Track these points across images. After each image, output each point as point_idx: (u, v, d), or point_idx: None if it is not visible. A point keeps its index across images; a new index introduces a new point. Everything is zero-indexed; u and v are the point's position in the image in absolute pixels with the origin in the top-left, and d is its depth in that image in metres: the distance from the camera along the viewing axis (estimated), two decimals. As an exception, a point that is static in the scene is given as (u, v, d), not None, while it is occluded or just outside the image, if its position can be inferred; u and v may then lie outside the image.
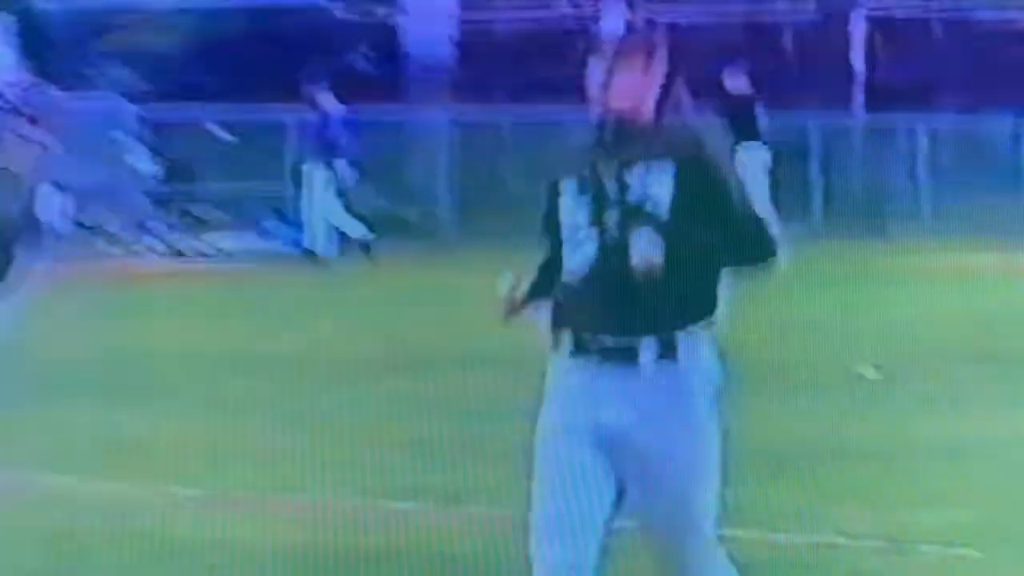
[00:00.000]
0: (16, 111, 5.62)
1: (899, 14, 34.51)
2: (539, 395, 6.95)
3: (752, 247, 7.14)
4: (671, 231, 6.94)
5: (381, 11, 35.00)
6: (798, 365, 15.84)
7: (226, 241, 28.81)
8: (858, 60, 34.42)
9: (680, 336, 6.94)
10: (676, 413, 6.92)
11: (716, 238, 7.02)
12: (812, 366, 15.73)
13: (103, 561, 10.22)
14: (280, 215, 28.89)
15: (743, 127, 26.95)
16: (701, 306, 7.05)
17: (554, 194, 7.20)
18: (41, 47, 26.98)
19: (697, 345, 7.00)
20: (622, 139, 7.09)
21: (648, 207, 6.97)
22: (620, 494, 6.97)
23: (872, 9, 34.43)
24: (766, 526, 10.57)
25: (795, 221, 30.00)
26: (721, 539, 7.02)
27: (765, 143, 28.04)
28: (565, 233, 7.08)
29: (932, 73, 34.00)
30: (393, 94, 33.42)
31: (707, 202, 7.00)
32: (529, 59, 33.25)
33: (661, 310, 6.93)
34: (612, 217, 7.00)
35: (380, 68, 34.76)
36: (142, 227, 28.83)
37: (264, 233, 28.93)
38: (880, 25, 34.66)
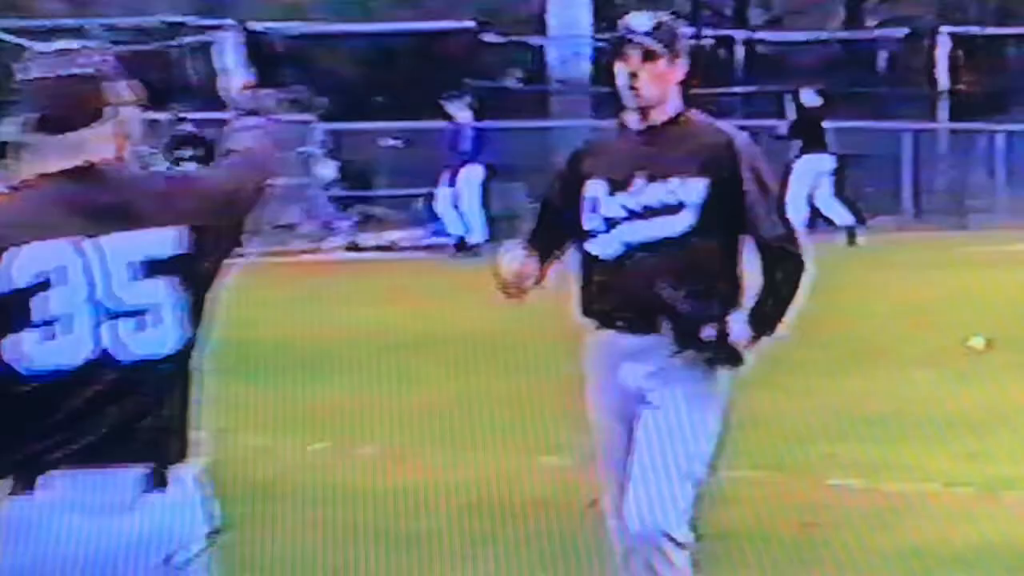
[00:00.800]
0: (251, 113, 5.26)
1: (977, 34, 34.31)
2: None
3: (783, 265, 6.87)
4: (695, 235, 6.78)
5: (528, 35, 35.02)
6: (907, 339, 15.63)
7: (397, 235, 29.23)
8: (943, 75, 34.22)
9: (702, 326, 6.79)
10: (690, 378, 6.79)
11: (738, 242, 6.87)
12: (918, 340, 15.48)
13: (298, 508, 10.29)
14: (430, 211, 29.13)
15: (811, 136, 27.28)
16: (718, 301, 6.83)
17: (577, 177, 6.99)
18: (261, 64, 27.35)
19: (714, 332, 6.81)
20: (655, 141, 6.90)
21: (673, 212, 6.78)
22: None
23: (953, 31, 34.23)
24: (882, 477, 10.71)
25: (888, 214, 30.19)
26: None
27: (830, 151, 27.95)
28: (591, 224, 6.90)
29: (1006, 84, 33.87)
30: (539, 107, 33.60)
31: (732, 213, 6.81)
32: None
33: (681, 305, 6.78)
34: (638, 216, 6.80)
35: (528, 84, 34.84)
36: (327, 226, 29.20)
37: (429, 228, 29.19)
38: (961, 44, 34.46)
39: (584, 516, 8.60)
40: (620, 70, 6.91)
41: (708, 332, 6.76)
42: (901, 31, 36.01)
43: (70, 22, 33.88)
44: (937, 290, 19.02)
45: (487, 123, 29.38)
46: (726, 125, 7.26)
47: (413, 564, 9.21)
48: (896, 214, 30.54)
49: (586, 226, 6.90)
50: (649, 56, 6.85)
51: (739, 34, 36.43)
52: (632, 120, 6.99)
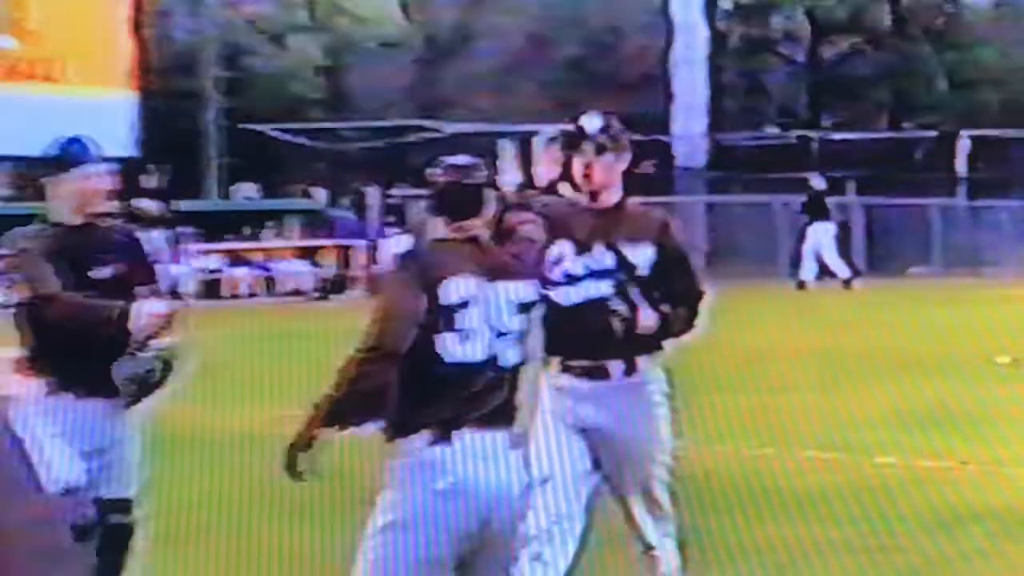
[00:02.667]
0: (526, 208, 5.74)
1: (988, 135, 33.93)
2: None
3: (688, 320, 6.47)
4: (642, 288, 6.34)
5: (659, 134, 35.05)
6: (937, 353, 14.87)
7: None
8: (961, 165, 33.99)
9: (640, 360, 6.38)
10: (637, 412, 6.35)
11: (670, 297, 6.41)
12: (946, 354, 14.70)
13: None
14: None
15: (819, 210, 27.84)
16: (654, 342, 6.39)
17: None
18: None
19: (652, 366, 6.43)
20: (609, 218, 6.40)
21: (625, 271, 6.35)
22: (596, 465, 6.39)
23: (971, 134, 33.94)
24: (916, 455, 10.67)
25: (923, 266, 29.95)
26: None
27: (832, 219, 28.09)
28: (559, 279, 6.34)
29: (1011, 172, 33.47)
30: (667, 187, 33.66)
31: (668, 272, 6.41)
32: (756, 165, 33.23)
33: (628, 343, 6.29)
34: (598, 275, 6.34)
35: (658, 170, 34.88)
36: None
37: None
38: (976, 142, 34.16)
39: None
40: (576, 162, 6.44)
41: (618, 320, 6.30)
42: (932, 132, 35.73)
43: (330, 124, 34.27)
44: (959, 319, 18.84)
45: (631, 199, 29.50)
46: (658, 209, 6.96)
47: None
48: (928, 266, 30.34)
49: (553, 277, 6.29)
50: (600, 150, 6.40)
51: (813, 133, 36.28)
52: (583, 200, 6.46)
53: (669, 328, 6.41)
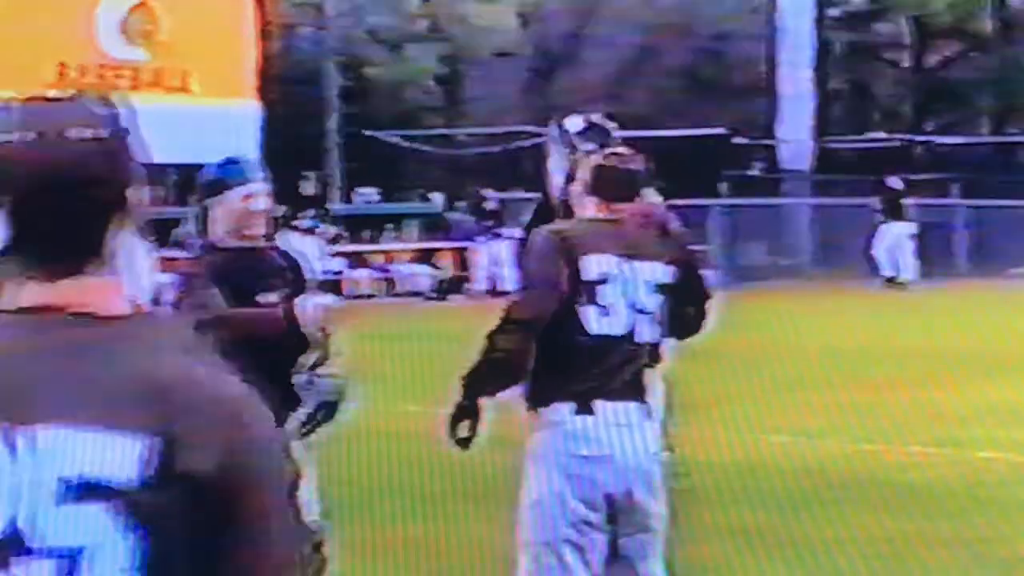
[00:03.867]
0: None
1: None
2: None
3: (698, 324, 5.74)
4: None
5: (765, 139, 34.88)
6: (976, 353, 15.04)
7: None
8: None
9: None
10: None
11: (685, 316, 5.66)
12: (984, 353, 14.90)
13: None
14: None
15: (896, 209, 27.71)
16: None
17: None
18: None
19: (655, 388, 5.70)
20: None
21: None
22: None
23: None
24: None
25: (1022, 265, 29.53)
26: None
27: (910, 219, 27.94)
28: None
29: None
30: (773, 189, 33.53)
31: (687, 291, 5.61)
32: (861, 168, 32.97)
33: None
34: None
35: (765, 173, 34.72)
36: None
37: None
38: None
39: None
40: (551, 168, 5.92)
41: None
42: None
43: (446, 130, 34.47)
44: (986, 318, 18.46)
45: (734, 200, 29.48)
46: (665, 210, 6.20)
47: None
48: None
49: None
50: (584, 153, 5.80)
51: (918, 138, 35.96)
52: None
53: (677, 330, 5.81)
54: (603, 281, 5.24)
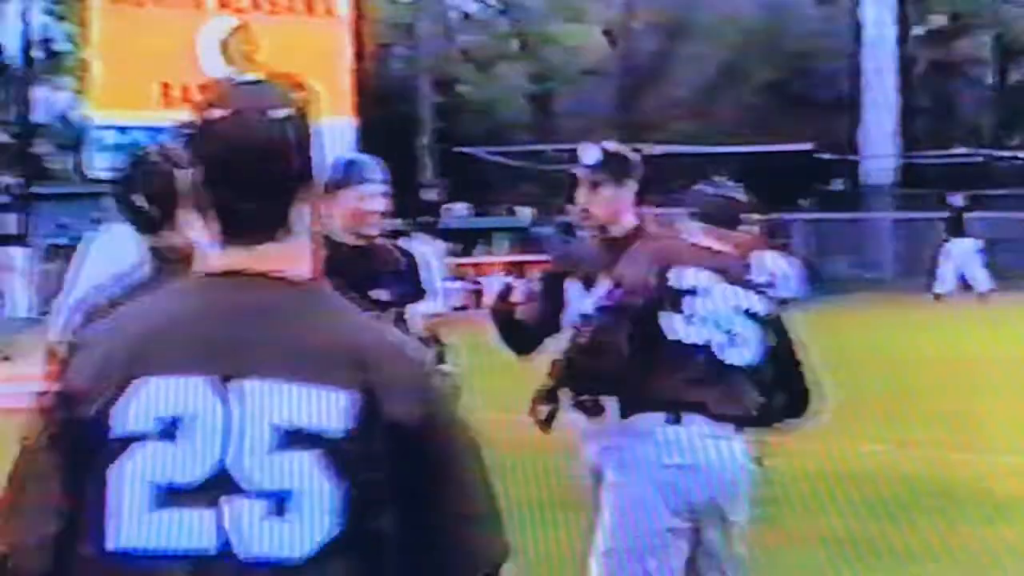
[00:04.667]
0: None
1: None
2: None
3: None
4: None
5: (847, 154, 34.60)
6: None
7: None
8: None
9: None
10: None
11: None
12: None
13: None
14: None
15: (958, 226, 27.41)
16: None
17: (559, 281, 5.88)
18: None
19: None
20: (616, 250, 5.62)
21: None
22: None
23: None
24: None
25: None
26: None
27: (968, 235, 27.38)
28: (568, 320, 5.75)
29: None
30: (855, 203, 33.23)
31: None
32: (944, 183, 32.61)
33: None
34: (602, 311, 5.43)
35: (846, 188, 34.46)
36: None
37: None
38: None
39: None
40: (577, 196, 5.85)
41: None
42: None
43: (536, 147, 34.44)
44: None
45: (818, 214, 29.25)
46: (671, 234, 5.90)
47: None
48: None
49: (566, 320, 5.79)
50: (595, 185, 5.80)
51: (1000, 152, 35.54)
52: (596, 234, 5.89)
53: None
54: (691, 292, 5.18)
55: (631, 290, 5.17)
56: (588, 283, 5.77)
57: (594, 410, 5.31)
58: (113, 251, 3.71)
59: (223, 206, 2.21)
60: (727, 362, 5.16)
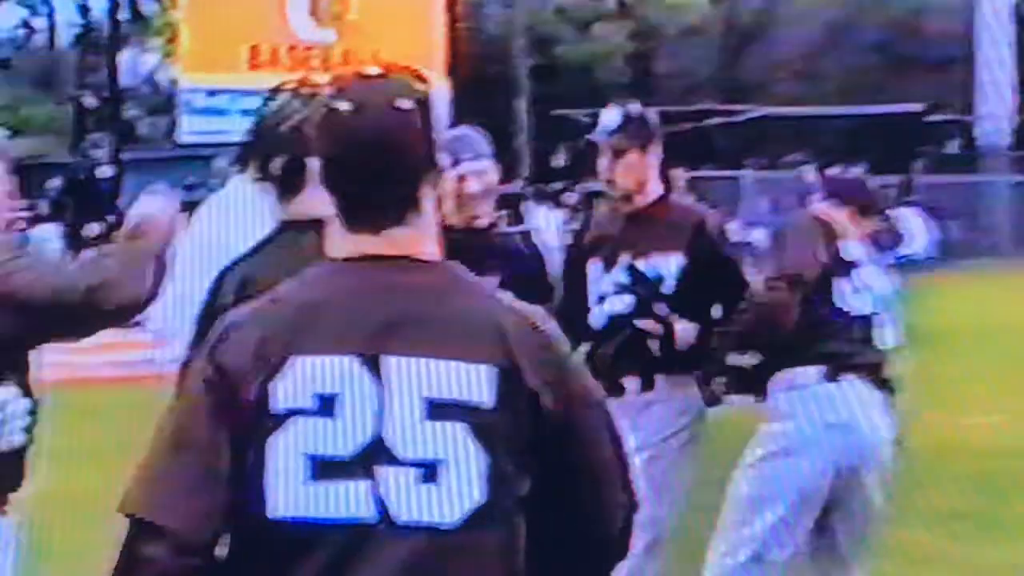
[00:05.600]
0: None
1: None
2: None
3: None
4: (671, 302, 5.43)
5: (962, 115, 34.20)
6: None
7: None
8: None
9: (659, 377, 5.43)
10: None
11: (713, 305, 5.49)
12: None
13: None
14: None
15: None
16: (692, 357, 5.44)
17: (581, 262, 5.62)
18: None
19: (674, 384, 5.46)
20: (638, 225, 5.49)
21: (644, 287, 5.41)
22: None
23: None
24: None
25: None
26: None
27: None
28: (591, 300, 5.54)
29: None
30: (970, 166, 32.83)
31: (705, 280, 5.45)
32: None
33: (666, 360, 5.39)
34: (620, 292, 5.50)
35: (963, 150, 34.07)
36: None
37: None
38: None
39: None
40: (599, 164, 5.58)
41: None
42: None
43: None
44: None
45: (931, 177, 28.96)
46: (699, 206, 5.90)
47: None
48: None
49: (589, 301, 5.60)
50: (619, 152, 5.52)
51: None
52: (620, 205, 5.65)
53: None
54: (857, 265, 5.36)
55: (801, 260, 5.26)
56: (609, 263, 5.54)
57: (746, 381, 5.39)
58: (236, 211, 3.80)
59: (352, 194, 2.43)
60: (879, 336, 5.36)
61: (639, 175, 5.55)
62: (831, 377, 5.19)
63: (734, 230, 28.34)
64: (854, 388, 5.20)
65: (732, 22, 36.75)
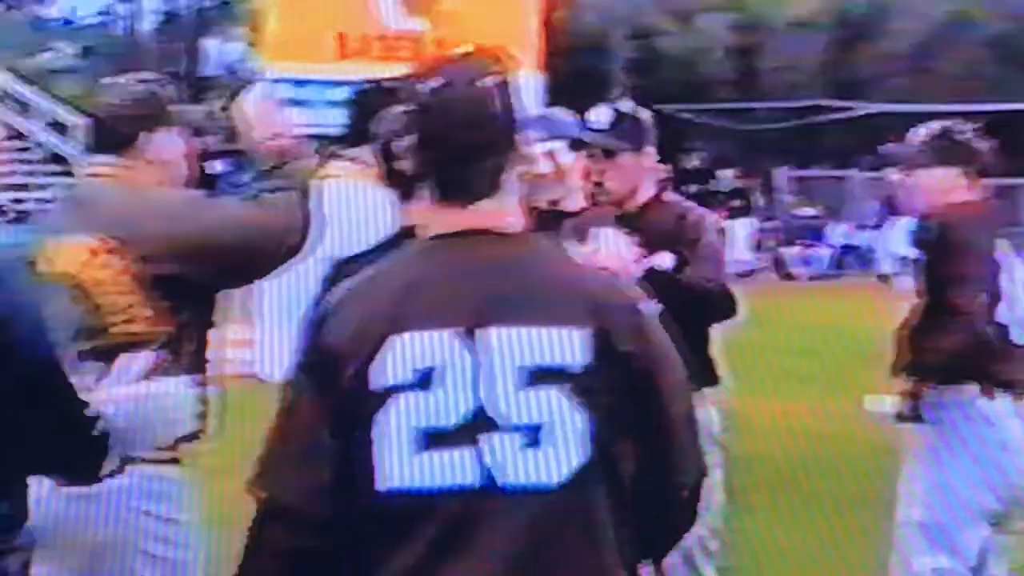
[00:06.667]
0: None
1: None
2: None
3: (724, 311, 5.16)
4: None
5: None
6: None
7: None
8: None
9: None
10: None
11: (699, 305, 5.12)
12: None
13: None
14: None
15: None
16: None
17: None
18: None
19: None
20: (629, 225, 5.11)
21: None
22: None
23: None
24: None
25: None
26: None
27: None
28: None
29: None
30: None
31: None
32: None
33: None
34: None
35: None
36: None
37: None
38: None
39: None
40: (588, 166, 5.10)
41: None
42: None
43: (738, 104, 34.21)
44: None
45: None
46: (691, 204, 5.53)
47: None
48: None
49: None
50: (610, 154, 5.23)
51: None
52: (609, 209, 5.28)
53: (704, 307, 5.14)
54: (1001, 270, 5.18)
55: (982, 264, 5.10)
56: None
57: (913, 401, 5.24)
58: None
59: (441, 169, 2.63)
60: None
61: (632, 179, 5.29)
62: (986, 393, 5.12)
63: (844, 233, 27.95)
64: (1010, 405, 5.14)
65: (843, 14, 36.46)
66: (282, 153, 4.18)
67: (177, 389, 3.18)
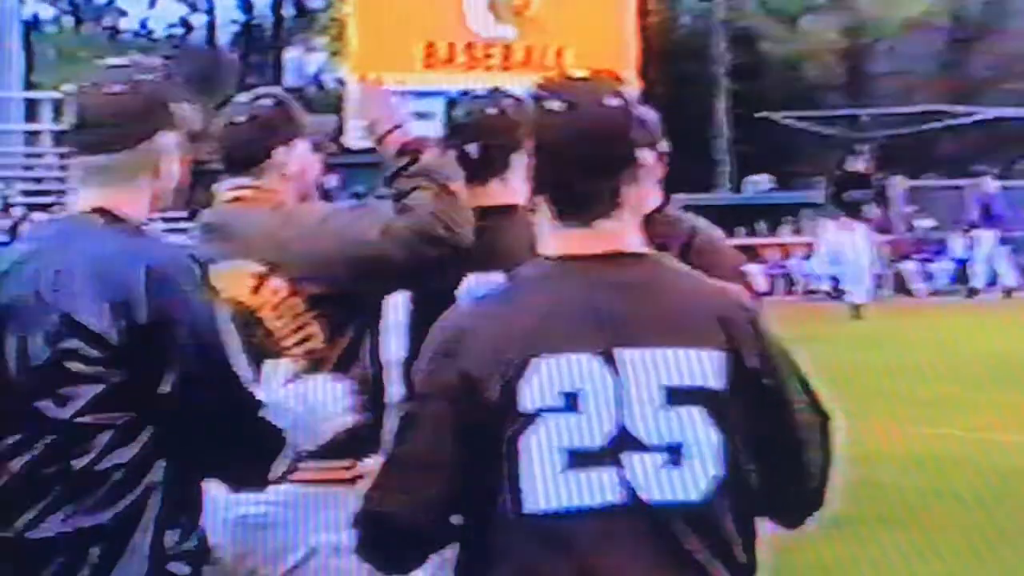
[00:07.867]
0: None
1: None
2: None
3: None
4: None
5: None
6: None
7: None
8: None
9: None
10: None
11: None
12: None
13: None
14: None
15: None
16: None
17: None
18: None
19: None
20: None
21: None
22: None
23: None
24: None
25: None
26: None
27: None
28: None
29: None
30: None
31: None
32: None
33: None
34: None
35: None
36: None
37: None
38: None
39: None
40: None
41: None
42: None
43: (849, 111, 34.01)
44: None
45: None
46: (690, 216, 5.04)
47: None
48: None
49: None
50: None
51: None
52: None
53: None
54: None
55: None
56: None
57: None
58: None
59: (563, 188, 2.82)
60: None
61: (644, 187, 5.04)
62: None
63: (961, 243, 27.42)
64: None
65: (959, 14, 36.18)
66: (403, 148, 4.22)
67: (327, 384, 3.34)
